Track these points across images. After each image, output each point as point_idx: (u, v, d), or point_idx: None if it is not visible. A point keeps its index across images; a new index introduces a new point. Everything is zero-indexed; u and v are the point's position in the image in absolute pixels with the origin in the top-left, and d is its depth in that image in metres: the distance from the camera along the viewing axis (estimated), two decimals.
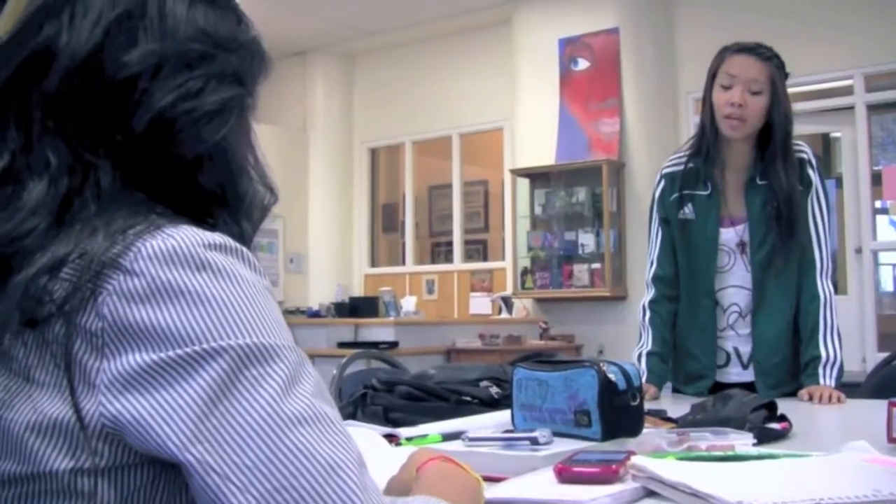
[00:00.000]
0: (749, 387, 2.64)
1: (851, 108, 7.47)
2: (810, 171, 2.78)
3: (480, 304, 8.93)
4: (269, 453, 0.76)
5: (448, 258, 9.88)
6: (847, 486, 1.07)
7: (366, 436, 1.65)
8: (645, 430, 1.59)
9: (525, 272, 8.21)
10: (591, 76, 7.96)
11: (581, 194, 7.89)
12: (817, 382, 2.62)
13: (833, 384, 2.61)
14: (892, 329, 7.64)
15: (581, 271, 7.87)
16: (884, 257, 7.81)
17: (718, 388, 2.68)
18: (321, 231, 10.00)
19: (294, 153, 9.81)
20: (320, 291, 9.58)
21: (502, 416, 1.79)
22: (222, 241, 0.84)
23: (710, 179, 2.77)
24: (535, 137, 8.19)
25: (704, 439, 1.44)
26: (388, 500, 0.80)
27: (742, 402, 1.79)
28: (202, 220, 0.90)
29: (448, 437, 1.60)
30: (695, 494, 1.06)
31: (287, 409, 0.78)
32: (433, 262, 10.29)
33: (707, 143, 2.78)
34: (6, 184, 0.85)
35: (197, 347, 0.78)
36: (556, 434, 1.52)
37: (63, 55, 0.87)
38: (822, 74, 7.49)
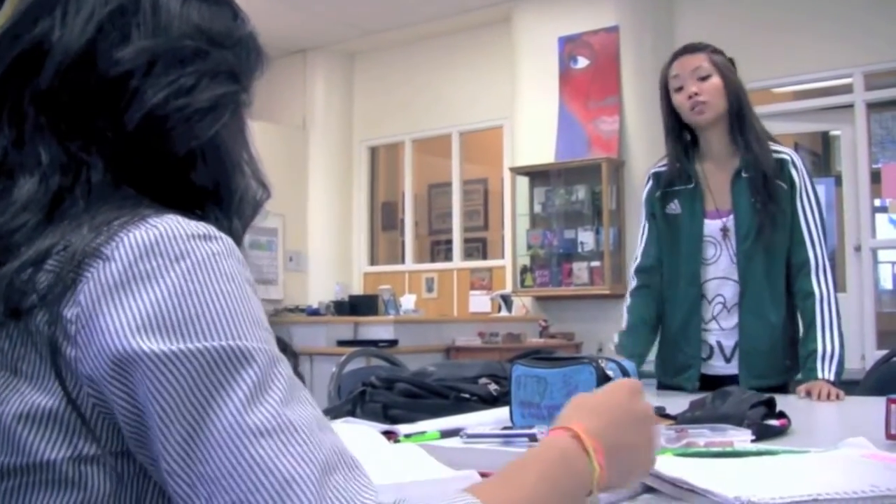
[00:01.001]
0: (734, 380, 2.68)
1: (851, 106, 7.46)
2: (793, 171, 2.84)
3: (480, 302, 8.93)
4: (229, 466, 0.74)
5: (447, 256, 9.88)
6: (845, 481, 1.07)
7: (364, 433, 1.65)
8: None
9: (524, 270, 8.21)
10: (590, 74, 7.96)
11: (580, 192, 7.89)
12: (816, 376, 2.64)
13: (832, 377, 2.63)
14: (891, 327, 7.65)
15: (580, 269, 7.87)
16: (883, 255, 7.80)
17: (704, 380, 2.79)
18: (321, 229, 10.00)
19: (294, 151, 9.81)
20: (320, 290, 9.58)
21: (501, 414, 1.79)
22: (205, 230, 0.83)
23: (693, 174, 2.91)
24: (535, 136, 8.19)
25: (703, 436, 1.45)
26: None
27: (740, 399, 1.79)
28: (192, 213, 0.89)
29: (447, 433, 1.60)
30: (693, 490, 1.06)
31: (251, 420, 0.76)
32: (433, 260, 10.29)
33: (682, 144, 2.97)
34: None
35: (173, 347, 0.77)
36: None
37: (56, 51, 0.87)
38: (822, 73, 7.49)
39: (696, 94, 2.83)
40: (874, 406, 2.42)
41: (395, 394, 2.05)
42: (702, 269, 2.86)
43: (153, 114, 0.88)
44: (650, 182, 3.05)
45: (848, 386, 2.67)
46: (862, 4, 7.22)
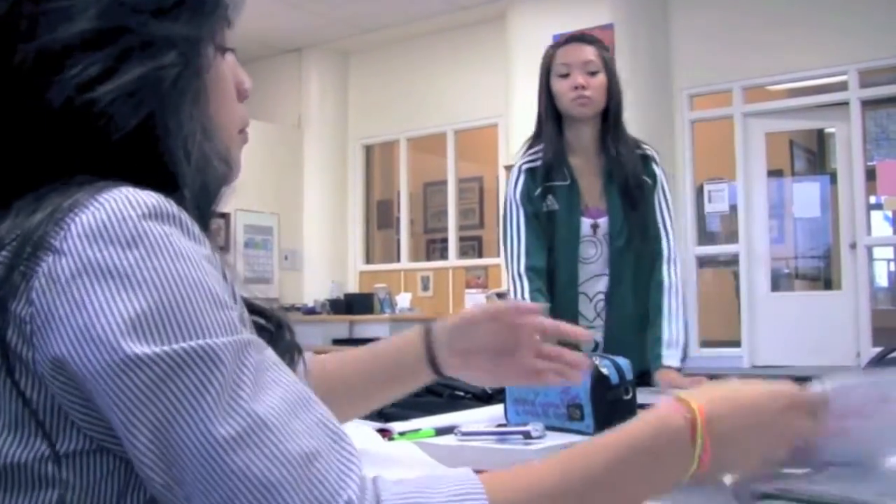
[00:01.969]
0: None
1: (846, 103, 7.48)
2: (655, 167, 2.87)
3: (476, 300, 8.93)
4: (205, 474, 0.72)
5: (443, 255, 9.88)
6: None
7: (359, 431, 1.64)
8: None
9: None
10: None
11: None
12: (660, 363, 2.65)
13: (677, 364, 2.66)
14: (886, 324, 7.67)
15: None
16: (878, 252, 7.83)
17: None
18: (316, 228, 10.00)
19: (289, 150, 9.80)
20: (315, 288, 9.58)
21: (495, 411, 1.79)
22: (158, 204, 0.78)
23: (567, 168, 2.84)
24: (530, 133, 8.16)
25: None
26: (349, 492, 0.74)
27: None
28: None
29: (441, 431, 1.60)
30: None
31: (221, 431, 0.72)
32: (428, 258, 10.29)
33: (550, 133, 2.87)
34: None
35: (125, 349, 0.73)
36: (549, 428, 1.53)
37: None
38: (817, 70, 7.51)
39: (583, 86, 2.76)
40: None
41: None
42: (581, 268, 2.83)
43: (74, 102, 0.81)
44: (522, 177, 2.88)
45: None
46: (856, 2, 7.23)
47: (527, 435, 1.45)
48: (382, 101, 9.91)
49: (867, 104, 7.49)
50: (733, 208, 8.11)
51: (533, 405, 1.63)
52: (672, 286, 2.78)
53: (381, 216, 10.58)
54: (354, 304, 8.26)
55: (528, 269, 2.78)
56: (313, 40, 9.82)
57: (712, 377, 2.60)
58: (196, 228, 0.80)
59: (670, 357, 2.65)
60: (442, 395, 2.00)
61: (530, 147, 2.94)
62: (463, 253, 9.77)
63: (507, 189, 2.91)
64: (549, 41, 8.82)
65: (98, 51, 0.82)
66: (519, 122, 8.34)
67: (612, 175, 2.83)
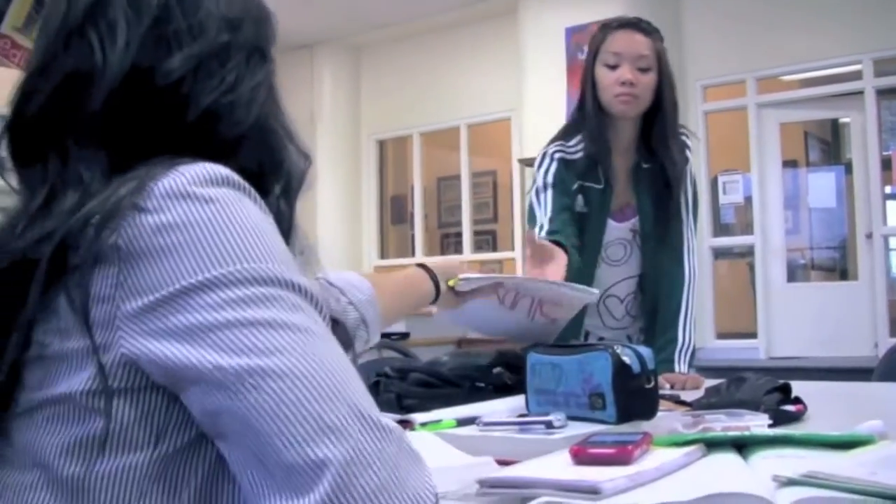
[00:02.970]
0: None
1: (860, 93, 7.44)
2: (688, 153, 2.72)
3: None
4: (275, 407, 0.78)
5: (457, 249, 9.88)
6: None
7: None
8: (660, 413, 1.59)
9: None
10: None
11: None
12: (672, 369, 2.54)
13: (686, 370, 2.57)
14: None
15: None
16: (894, 242, 7.79)
17: None
18: (330, 223, 10.00)
19: None
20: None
21: (516, 402, 1.79)
22: (231, 175, 0.86)
23: (604, 170, 2.64)
24: (543, 127, 8.08)
25: (720, 421, 1.44)
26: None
27: (756, 385, 1.79)
28: None
29: (462, 422, 1.60)
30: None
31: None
32: (442, 253, 10.29)
33: (594, 128, 2.62)
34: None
35: (207, 274, 0.80)
36: (571, 418, 1.53)
37: (102, 76, 0.88)
38: (831, 59, 7.47)
39: (631, 83, 2.53)
40: (889, 392, 2.43)
41: (409, 384, 2.05)
42: (610, 271, 2.71)
43: (205, 112, 0.91)
44: (556, 164, 2.63)
45: (861, 374, 2.67)
46: None
47: (549, 424, 1.45)
48: (395, 96, 9.90)
49: (882, 93, 7.46)
50: (748, 199, 8.08)
51: (554, 395, 1.63)
52: (692, 279, 2.68)
53: (394, 211, 10.58)
54: None
55: (551, 232, 2.53)
56: (325, 36, 9.82)
57: (728, 370, 2.60)
58: (263, 204, 0.89)
59: (681, 363, 2.58)
60: (462, 387, 2.01)
61: (565, 137, 2.69)
62: (477, 247, 9.77)
63: (537, 176, 2.67)
64: (562, 34, 8.78)
65: (228, 61, 0.94)
66: (532, 115, 8.34)
67: (640, 164, 2.66)
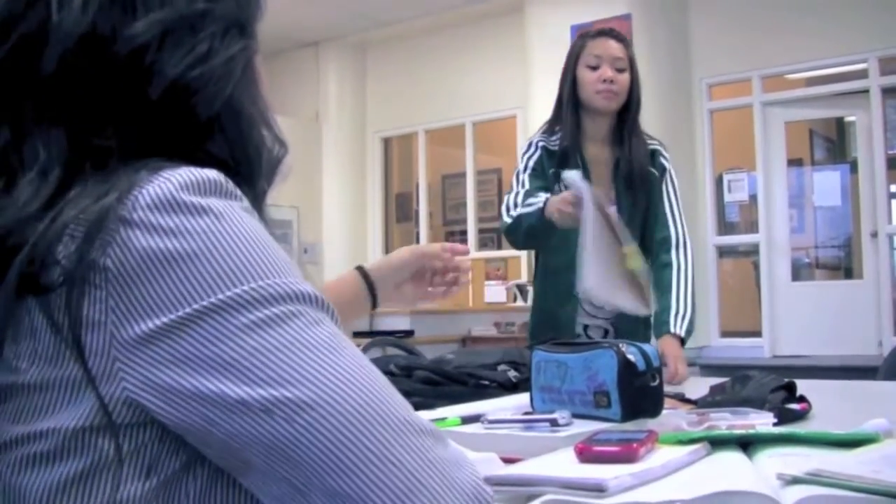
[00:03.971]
0: None
1: (866, 91, 7.43)
2: (663, 160, 3.01)
3: (495, 292, 8.94)
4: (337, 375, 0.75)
5: None
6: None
7: None
8: (665, 411, 1.59)
9: None
10: None
11: None
12: (668, 329, 2.71)
13: (683, 334, 2.73)
14: None
15: None
16: None
17: None
18: (335, 221, 10.02)
19: (307, 144, 9.81)
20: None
21: (521, 399, 1.79)
22: (220, 180, 0.80)
23: (580, 158, 2.94)
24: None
25: (725, 419, 1.44)
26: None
27: (761, 383, 1.79)
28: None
29: (467, 420, 1.60)
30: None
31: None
32: None
33: (569, 121, 2.96)
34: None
35: (213, 299, 0.74)
36: (576, 415, 1.53)
37: (56, 37, 0.80)
38: (837, 58, 7.46)
39: (611, 80, 2.89)
40: (893, 390, 2.43)
41: (414, 381, 2.05)
42: None
43: (174, 86, 0.83)
44: (538, 152, 3.01)
45: (865, 372, 2.67)
46: None
47: (554, 422, 1.45)
48: (400, 94, 9.90)
49: (887, 92, 7.44)
50: (753, 198, 8.08)
51: (559, 393, 1.63)
52: (681, 268, 2.86)
53: (399, 209, 10.59)
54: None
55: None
56: (330, 34, 9.82)
57: (732, 368, 2.62)
58: (250, 206, 0.82)
59: (677, 325, 2.72)
60: (467, 385, 2.01)
61: (549, 131, 3.05)
62: (482, 245, 9.77)
63: (519, 161, 3.03)
64: (567, 32, 8.79)
65: (200, 31, 0.85)
66: (537, 113, 8.32)
67: (619, 166, 2.94)
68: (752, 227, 8.18)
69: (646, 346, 1.59)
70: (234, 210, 0.79)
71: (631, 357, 1.54)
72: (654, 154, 3.00)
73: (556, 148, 2.97)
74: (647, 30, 7.80)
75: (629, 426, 1.43)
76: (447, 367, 2.09)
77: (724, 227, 8.42)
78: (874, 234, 7.43)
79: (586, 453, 1.16)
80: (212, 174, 0.79)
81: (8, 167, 0.79)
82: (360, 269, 1.77)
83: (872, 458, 1.08)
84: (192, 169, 0.79)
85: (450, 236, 10.52)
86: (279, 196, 0.96)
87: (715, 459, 1.17)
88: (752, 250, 8.20)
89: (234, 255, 0.76)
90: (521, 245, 3.08)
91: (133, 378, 0.74)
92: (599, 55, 2.91)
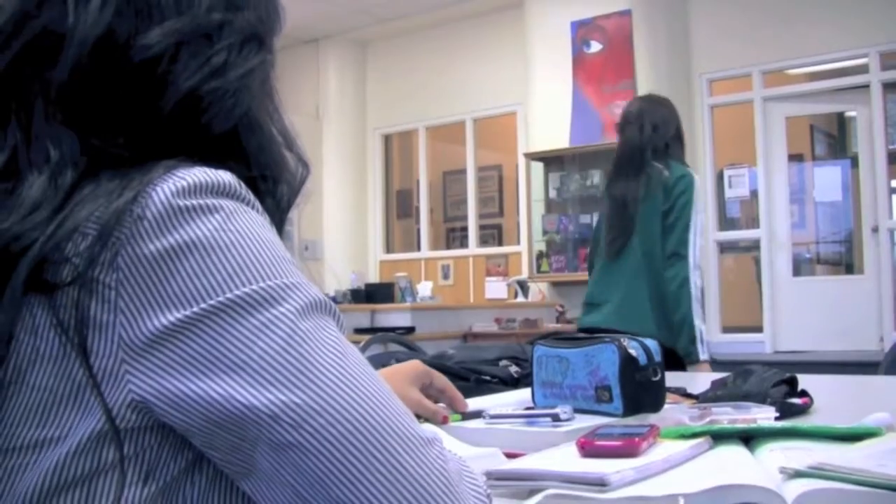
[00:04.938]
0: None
1: (867, 86, 7.43)
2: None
3: (496, 288, 8.94)
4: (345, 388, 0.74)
5: (463, 243, 9.88)
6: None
7: None
8: (666, 406, 1.59)
9: (540, 256, 8.21)
10: (604, 59, 7.94)
11: (595, 177, 7.88)
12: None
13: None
14: None
15: None
16: None
17: None
18: (336, 218, 10.02)
19: (307, 140, 9.58)
20: (336, 278, 9.60)
21: (522, 395, 1.79)
22: (232, 182, 0.79)
23: None
24: (549, 121, 8.17)
25: (727, 414, 1.44)
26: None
27: (762, 378, 1.79)
28: None
29: (469, 415, 1.60)
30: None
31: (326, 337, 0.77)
32: (448, 247, 10.30)
33: None
34: (6, 180, 0.77)
35: (221, 298, 0.73)
36: (577, 410, 1.52)
37: (71, 41, 0.79)
38: (837, 53, 7.46)
39: None
40: (894, 385, 2.43)
41: None
42: None
43: (187, 98, 0.81)
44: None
45: (867, 367, 2.67)
46: None
47: (555, 417, 1.45)
48: (400, 91, 9.90)
49: (888, 87, 7.44)
50: (754, 193, 8.08)
51: (560, 388, 1.63)
52: (675, 282, 3.68)
53: (400, 205, 10.59)
54: (376, 294, 8.27)
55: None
56: (330, 31, 9.82)
57: (734, 364, 2.65)
58: (264, 212, 0.81)
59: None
60: (468, 380, 2.01)
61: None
62: (483, 241, 9.77)
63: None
64: (567, 28, 8.83)
65: (217, 43, 0.84)
66: (537, 109, 8.34)
67: None
68: (753, 222, 8.18)
69: (647, 341, 1.59)
70: (246, 211, 0.78)
71: (632, 352, 1.54)
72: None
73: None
74: (647, 25, 7.80)
75: (631, 421, 1.43)
76: (448, 362, 2.08)
77: (725, 222, 8.42)
78: (875, 230, 7.42)
79: (588, 448, 1.16)
80: (225, 176, 0.78)
81: (17, 167, 0.78)
82: None
83: (875, 452, 1.08)
84: (206, 169, 0.78)
85: (450, 233, 10.51)
86: None
87: (717, 454, 1.17)
88: (753, 246, 8.20)
89: (244, 254, 0.75)
90: None
91: (140, 380, 0.72)
92: None
